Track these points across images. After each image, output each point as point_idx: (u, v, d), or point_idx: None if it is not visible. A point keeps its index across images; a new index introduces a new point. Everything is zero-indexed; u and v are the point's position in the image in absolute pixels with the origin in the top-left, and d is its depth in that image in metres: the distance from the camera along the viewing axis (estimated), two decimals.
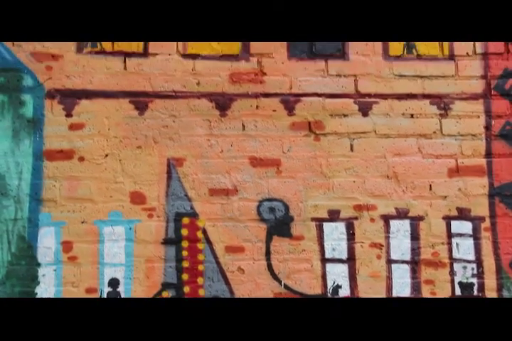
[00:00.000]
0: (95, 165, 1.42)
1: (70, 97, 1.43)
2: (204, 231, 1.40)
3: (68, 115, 1.43)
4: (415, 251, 1.42)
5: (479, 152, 1.47)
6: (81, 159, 1.42)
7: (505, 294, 1.37)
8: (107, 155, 1.43)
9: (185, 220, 1.40)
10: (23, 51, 1.42)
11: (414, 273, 1.41)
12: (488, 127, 1.47)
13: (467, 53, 1.48)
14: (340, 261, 1.40)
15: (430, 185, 1.46)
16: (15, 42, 1.42)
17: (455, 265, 1.40)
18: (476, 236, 1.43)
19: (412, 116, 1.48)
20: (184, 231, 1.39)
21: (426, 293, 1.39)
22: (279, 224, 1.41)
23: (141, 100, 1.45)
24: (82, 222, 1.38)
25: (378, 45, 1.48)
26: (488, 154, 1.47)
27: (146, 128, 1.44)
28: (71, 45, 1.44)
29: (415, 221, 1.43)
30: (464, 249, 1.41)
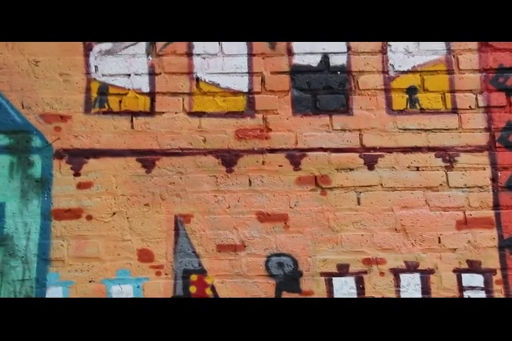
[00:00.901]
0: (103, 224, 1.63)
1: (78, 157, 1.65)
2: (213, 288, 1.58)
3: (76, 174, 1.65)
4: None
5: (487, 204, 1.67)
6: (89, 218, 1.62)
7: None
8: (114, 213, 1.63)
9: (194, 277, 1.59)
10: (32, 113, 1.65)
11: None
12: (494, 179, 1.68)
13: (470, 106, 1.71)
14: None
15: (439, 238, 1.65)
16: (24, 105, 1.65)
17: None
18: (487, 289, 1.60)
19: (417, 168, 1.69)
20: (192, 289, 1.58)
21: None
22: (288, 279, 1.60)
23: (148, 158, 1.67)
24: (90, 281, 1.57)
25: (381, 100, 1.72)
26: (496, 206, 1.67)
27: (154, 185, 1.66)
28: (79, 106, 1.66)
29: (425, 274, 1.62)
30: None
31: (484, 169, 1.71)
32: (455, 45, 1.75)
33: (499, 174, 1.70)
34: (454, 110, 1.73)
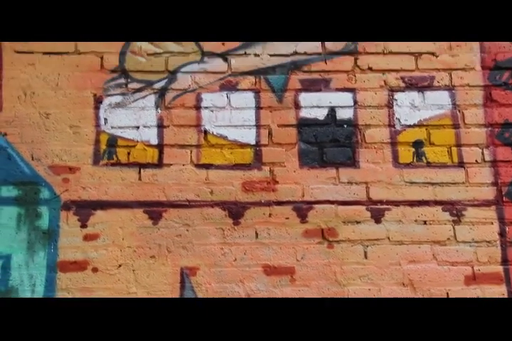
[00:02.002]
0: (108, 276, 1.90)
1: (85, 208, 1.94)
2: None
3: (83, 226, 1.93)
4: None
5: (495, 259, 1.94)
6: (94, 270, 1.90)
7: None
8: (120, 266, 1.90)
9: None
10: (41, 165, 1.95)
11: None
12: (502, 234, 1.96)
13: (476, 161, 2.00)
14: None
15: (447, 293, 1.91)
16: (34, 157, 1.95)
17: None
18: None
19: (425, 222, 1.97)
20: None
21: None
22: None
23: (155, 210, 1.95)
24: None
25: (388, 153, 2.02)
26: (505, 261, 1.94)
27: (160, 237, 1.93)
28: (88, 158, 1.96)
29: None
30: None
31: (492, 223, 1.99)
32: (460, 100, 2.07)
33: (507, 229, 1.98)
34: (461, 164, 2.03)
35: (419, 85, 2.12)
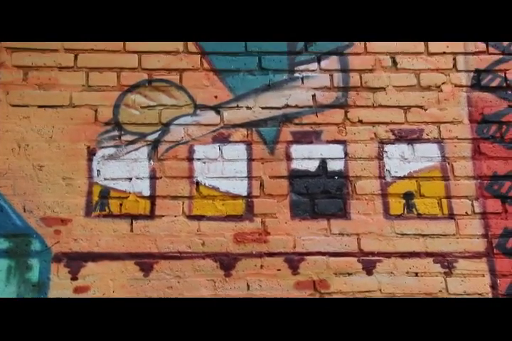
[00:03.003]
0: None
1: (76, 260, 2.22)
2: None
3: (74, 278, 2.21)
4: None
5: None
6: None
7: None
8: None
9: None
10: (33, 217, 2.24)
11: None
12: (494, 286, 2.25)
13: (466, 212, 2.31)
14: None
15: None
16: (26, 209, 2.23)
17: None
18: None
19: (416, 274, 2.26)
20: None
21: None
22: None
23: (146, 261, 2.23)
24: None
25: (379, 205, 2.31)
26: None
27: (151, 289, 2.21)
28: (80, 210, 2.24)
29: None
30: None
31: (483, 276, 2.28)
32: (449, 152, 2.40)
33: (498, 281, 2.27)
34: (451, 216, 2.34)
35: (409, 138, 2.45)
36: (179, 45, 2.55)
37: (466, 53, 2.59)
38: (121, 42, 2.52)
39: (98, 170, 2.45)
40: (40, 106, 2.46)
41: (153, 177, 2.46)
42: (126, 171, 2.45)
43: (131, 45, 2.54)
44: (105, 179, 2.44)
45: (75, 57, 2.51)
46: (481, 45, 2.61)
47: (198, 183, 2.46)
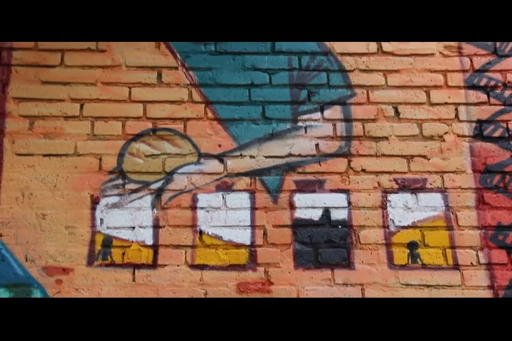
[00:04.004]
0: None
1: None
2: None
3: None
4: None
5: None
6: None
7: None
8: None
9: None
10: (35, 266, 2.51)
11: None
12: None
13: (471, 263, 2.58)
14: None
15: None
16: (28, 258, 2.50)
17: None
18: None
19: None
20: None
21: None
22: None
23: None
24: None
25: (383, 255, 2.59)
26: None
27: None
28: (82, 259, 2.52)
29: None
30: None
31: None
32: (453, 202, 2.68)
33: None
34: (456, 266, 2.61)
35: (412, 187, 2.75)
36: (184, 95, 2.87)
37: (467, 104, 2.90)
38: (127, 92, 2.84)
39: (101, 219, 2.74)
40: (45, 155, 2.76)
41: (156, 226, 2.74)
42: (130, 220, 2.74)
43: (137, 95, 2.86)
44: (108, 228, 2.73)
45: (81, 106, 2.82)
46: (482, 96, 2.92)
47: (201, 232, 2.74)
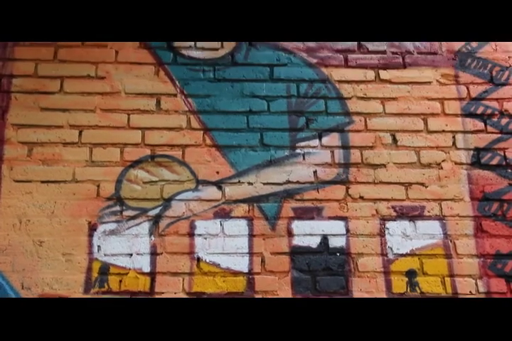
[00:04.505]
0: None
1: None
2: None
3: None
4: None
5: None
6: None
7: None
8: None
9: None
10: (31, 294, 2.63)
11: None
12: None
13: (470, 292, 2.70)
14: None
15: None
16: (24, 286, 2.62)
17: None
18: None
19: None
20: None
21: None
22: None
23: None
24: None
25: (381, 282, 2.71)
26: None
27: None
28: (79, 286, 2.65)
29: None
30: None
31: None
32: (451, 230, 2.81)
33: None
34: (455, 295, 2.73)
35: (410, 215, 2.89)
36: (182, 122, 3.01)
37: (465, 131, 3.04)
38: (126, 119, 2.97)
39: (98, 246, 2.86)
40: (43, 182, 2.88)
41: (153, 253, 2.86)
42: (127, 247, 2.87)
43: (135, 121, 3.00)
44: (105, 255, 2.85)
45: (80, 133, 2.95)
46: (479, 124, 3.07)
47: (198, 259, 2.86)
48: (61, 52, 2.95)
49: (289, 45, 3.04)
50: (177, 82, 2.95)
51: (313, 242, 2.77)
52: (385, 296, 2.72)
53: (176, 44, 3.02)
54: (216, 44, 3.03)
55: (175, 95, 2.93)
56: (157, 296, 2.68)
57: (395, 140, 2.91)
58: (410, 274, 2.74)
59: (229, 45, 3.04)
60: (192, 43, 3.02)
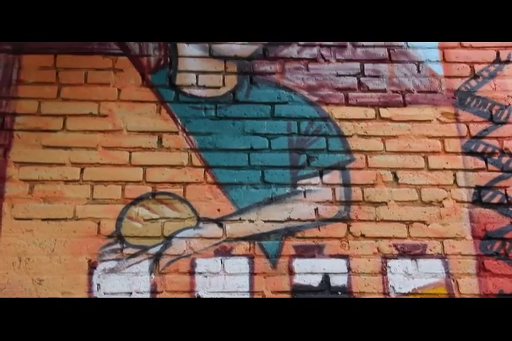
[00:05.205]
0: None
1: None
2: None
3: None
4: None
5: None
6: None
7: None
8: None
9: None
10: None
11: None
12: None
13: None
14: None
15: None
16: None
17: None
18: None
19: None
20: None
21: None
22: None
23: None
24: None
25: None
26: None
27: None
28: None
29: None
30: None
31: None
32: (453, 269, 2.94)
33: None
34: None
35: (412, 253, 3.03)
36: (183, 159, 3.17)
37: (465, 170, 3.17)
38: (127, 156, 3.12)
39: (98, 284, 2.98)
40: (43, 220, 3.00)
41: (153, 292, 2.97)
42: (127, 285, 2.98)
43: (137, 159, 3.15)
44: (105, 293, 2.95)
45: (81, 170, 3.08)
46: (480, 162, 3.22)
47: (198, 298, 3.02)
48: (64, 91, 3.11)
49: (290, 83, 3.21)
50: (179, 120, 3.12)
51: (315, 281, 2.90)
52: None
53: (178, 82, 3.18)
54: (218, 82, 3.19)
55: (176, 133, 3.09)
56: None
57: (396, 177, 3.06)
58: None
59: (231, 84, 3.21)
60: (194, 81, 3.18)
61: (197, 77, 3.19)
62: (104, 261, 2.81)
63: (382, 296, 2.83)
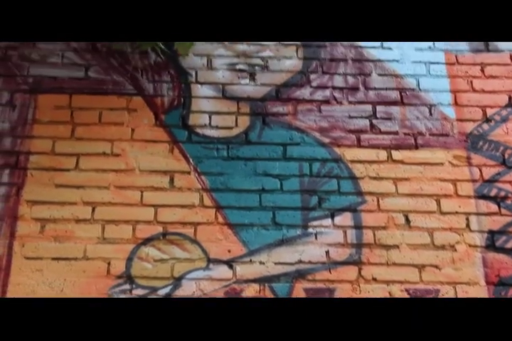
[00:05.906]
0: None
1: None
2: None
3: None
4: None
5: None
6: None
7: None
8: None
9: None
10: None
11: None
12: None
13: None
14: None
15: None
16: None
17: None
18: None
19: None
20: None
21: None
22: None
23: None
24: None
25: None
26: None
27: None
28: None
29: None
30: None
31: None
32: None
33: None
34: None
35: (424, 298, 3.07)
36: (195, 199, 3.23)
37: (478, 213, 3.21)
38: (139, 196, 3.17)
39: None
40: (53, 259, 3.03)
41: None
42: None
43: (148, 199, 3.21)
44: None
45: (93, 209, 3.16)
46: (493, 206, 3.25)
47: None
48: (78, 130, 3.20)
49: (302, 124, 3.29)
50: (191, 160, 3.19)
51: None
52: None
53: (191, 122, 3.27)
54: (230, 123, 3.27)
55: (188, 173, 3.16)
56: None
57: (407, 220, 3.11)
58: None
59: (243, 124, 3.29)
60: (207, 122, 3.26)
61: (210, 117, 3.26)
62: None
63: None
